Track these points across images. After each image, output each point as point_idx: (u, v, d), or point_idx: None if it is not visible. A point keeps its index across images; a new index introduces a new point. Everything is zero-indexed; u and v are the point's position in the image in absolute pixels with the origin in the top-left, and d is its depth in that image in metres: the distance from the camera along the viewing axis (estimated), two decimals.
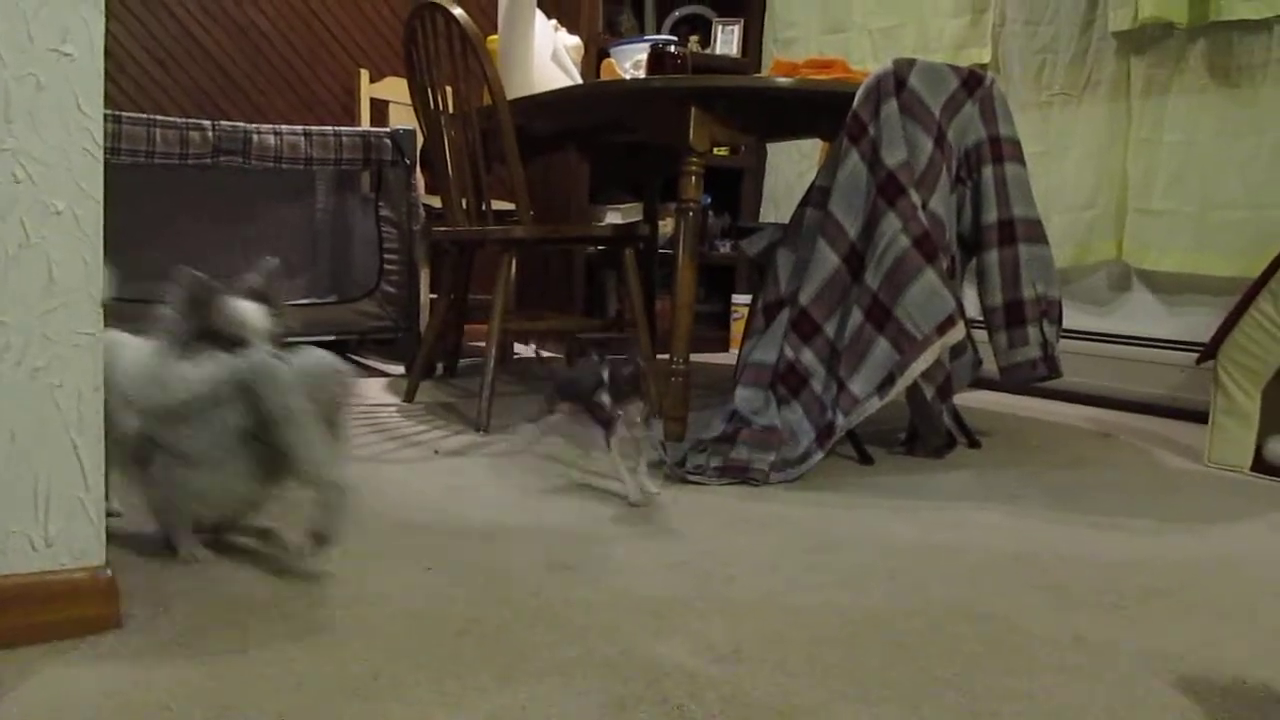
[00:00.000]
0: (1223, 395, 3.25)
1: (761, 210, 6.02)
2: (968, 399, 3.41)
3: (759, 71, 5.75)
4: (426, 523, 2.32)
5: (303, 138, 4.22)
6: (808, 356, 2.90)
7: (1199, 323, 3.85)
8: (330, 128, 4.33)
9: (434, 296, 4.52)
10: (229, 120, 4.29)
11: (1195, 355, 3.37)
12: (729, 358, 4.97)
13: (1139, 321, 4.20)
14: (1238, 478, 3.08)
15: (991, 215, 3.06)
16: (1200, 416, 3.39)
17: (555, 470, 2.84)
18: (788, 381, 2.93)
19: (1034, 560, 2.17)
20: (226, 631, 1.62)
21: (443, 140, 3.57)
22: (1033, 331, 3.05)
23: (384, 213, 4.47)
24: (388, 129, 4.49)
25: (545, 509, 2.47)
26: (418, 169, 4.49)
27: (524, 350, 5.38)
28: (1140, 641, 1.72)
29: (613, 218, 5.42)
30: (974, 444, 3.34)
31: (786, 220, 3.15)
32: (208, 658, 1.52)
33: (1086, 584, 2.01)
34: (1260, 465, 3.11)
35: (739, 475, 2.74)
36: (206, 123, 4.05)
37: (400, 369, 4.51)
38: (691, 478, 2.73)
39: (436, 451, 3.00)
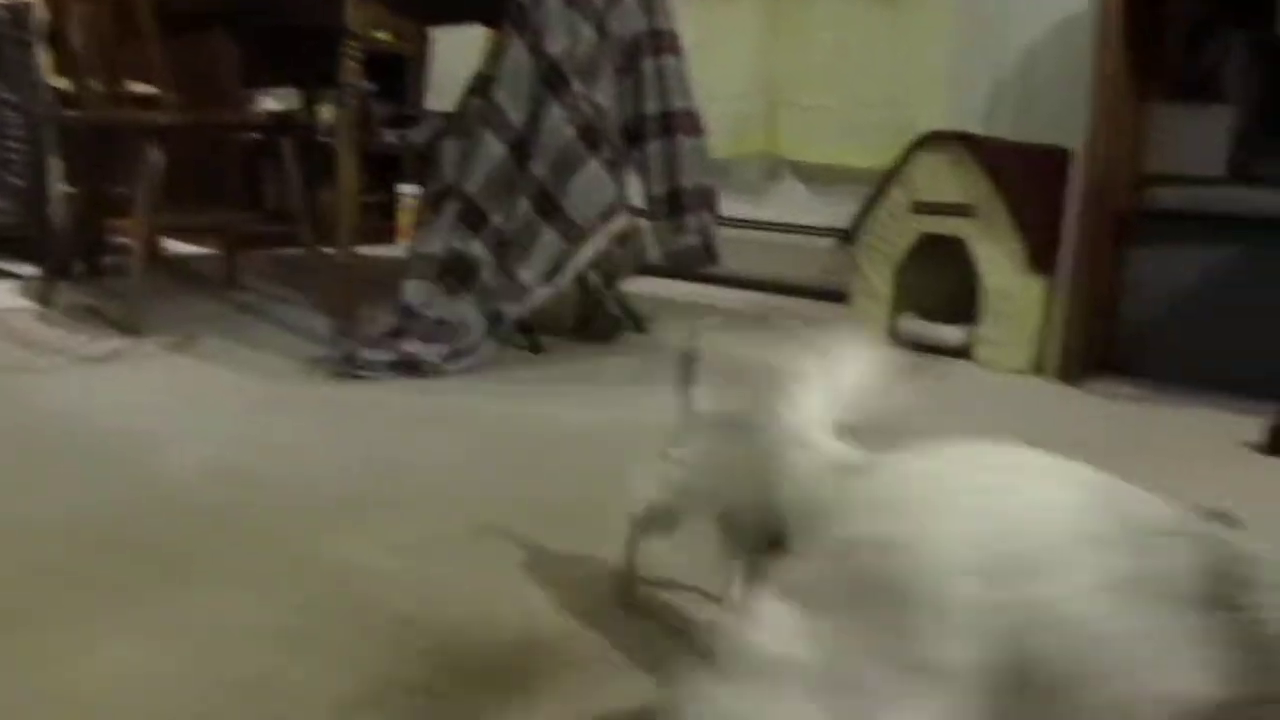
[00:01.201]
0: (861, 277, 3.52)
1: (428, 98, 5.88)
2: (633, 285, 3.52)
3: None
4: (75, 434, 2.16)
5: None
6: (476, 247, 2.88)
7: (844, 210, 4.13)
8: None
9: (69, 189, 4.14)
10: None
11: (840, 240, 3.63)
12: (397, 250, 4.87)
13: (790, 209, 4.45)
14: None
15: (652, 106, 3.13)
16: (845, 297, 3.66)
17: (217, 372, 2.71)
18: (457, 272, 2.90)
19: None
20: None
21: (70, 15, 3.24)
22: (692, 219, 3.17)
23: (1, 95, 4.02)
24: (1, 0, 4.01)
25: (210, 413, 2.36)
26: (41, 47, 4.05)
27: (177, 246, 5.04)
28: None
29: (269, 104, 5.14)
30: (640, 328, 3.45)
31: (453, 109, 3.10)
32: None
33: None
34: (894, 340, 3.41)
35: (411, 369, 2.71)
36: None
37: (32, 270, 4.12)
38: (362, 374, 2.67)
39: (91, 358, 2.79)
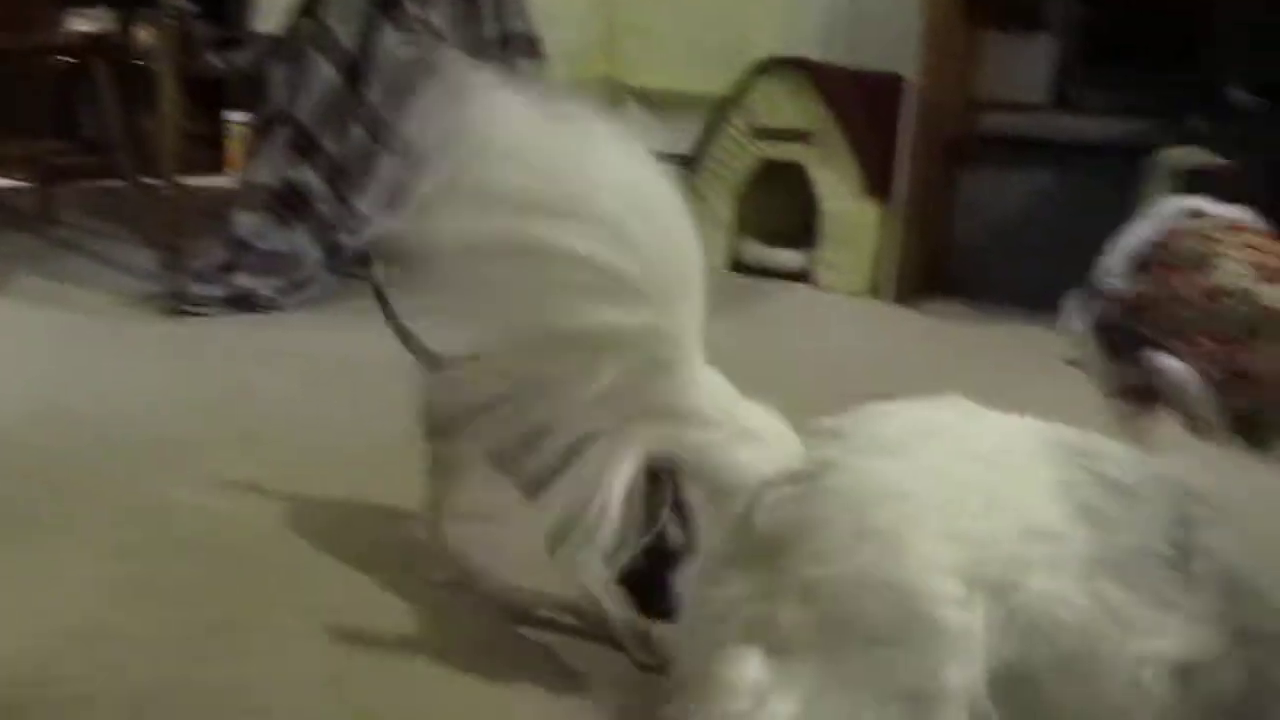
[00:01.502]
0: (702, 203, 3.54)
1: (254, 19, 5.64)
2: None
3: None
4: None
5: None
6: (310, 176, 2.79)
7: (686, 136, 4.12)
8: None
9: None
10: None
11: (681, 166, 3.64)
12: (225, 179, 4.69)
13: (632, 135, 4.43)
14: (715, 277, 3.39)
15: (489, 29, 3.06)
16: None
17: (35, 312, 2.57)
18: (290, 203, 2.81)
19: None
20: None
21: None
22: None
23: None
24: None
25: (28, 354, 2.24)
26: None
27: None
28: None
29: (81, 25, 4.85)
30: None
31: (281, 30, 2.97)
32: None
33: None
34: (736, 265, 3.45)
35: (245, 304, 2.63)
36: None
37: None
38: (194, 310, 2.57)
39: None
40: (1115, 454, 0.72)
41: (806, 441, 0.73)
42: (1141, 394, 1.34)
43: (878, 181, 3.22)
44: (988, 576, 0.66)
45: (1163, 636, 0.66)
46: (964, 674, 0.66)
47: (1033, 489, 0.69)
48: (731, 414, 0.73)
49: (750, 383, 0.76)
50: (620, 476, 0.71)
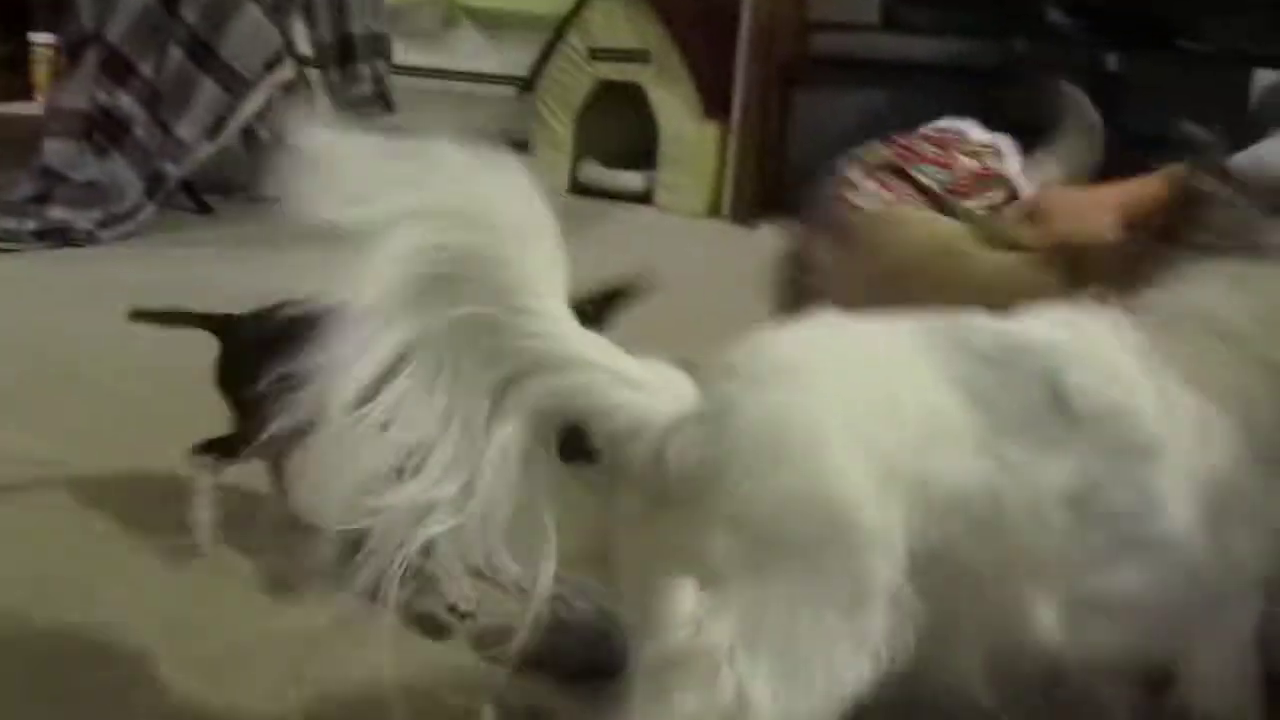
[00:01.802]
0: (541, 125, 3.50)
1: None
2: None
3: None
4: None
5: None
6: (125, 101, 2.64)
7: (523, 58, 4.05)
8: None
9: None
10: None
11: (519, 88, 3.58)
12: (33, 107, 4.41)
13: (467, 57, 4.33)
14: (558, 200, 3.36)
15: None
16: (526, 146, 3.63)
17: None
18: (105, 130, 2.66)
19: None
20: None
21: None
22: (364, 68, 3.03)
23: None
24: None
25: None
26: None
27: None
28: None
29: None
30: None
31: None
32: None
33: None
34: (576, 187, 3.43)
35: (60, 238, 2.49)
36: None
37: None
38: (3, 245, 2.43)
39: None
40: (979, 331, 0.79)
41: (700, 381, 0.73)
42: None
43: (716, 103, 3.24)
44: (901, 473, 0.71)
45: (1059, 473, 0.74)
46: (888, 569, 0.71)
47: (925, 385, 0.74)
48: (609, 358, 0.73)
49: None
50: (507, 443, 0.70)
